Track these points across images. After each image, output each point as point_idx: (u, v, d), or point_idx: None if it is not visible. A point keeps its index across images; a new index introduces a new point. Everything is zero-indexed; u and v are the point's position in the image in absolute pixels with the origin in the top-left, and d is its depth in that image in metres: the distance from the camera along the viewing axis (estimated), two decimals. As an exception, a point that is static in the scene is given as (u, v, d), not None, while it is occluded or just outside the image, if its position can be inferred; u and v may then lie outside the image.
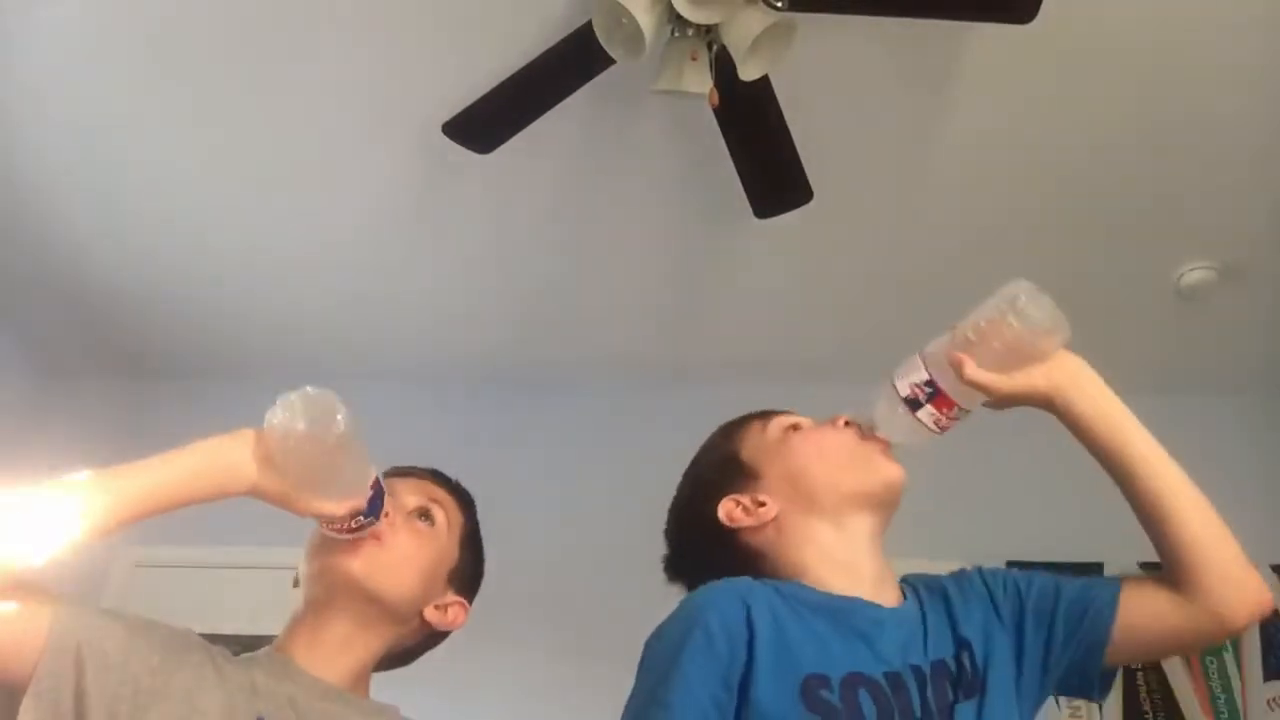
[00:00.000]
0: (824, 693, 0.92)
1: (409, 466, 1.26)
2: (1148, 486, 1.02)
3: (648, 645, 1.00)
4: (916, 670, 0.98)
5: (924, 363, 1.08)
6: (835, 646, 0.97)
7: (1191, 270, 3.03)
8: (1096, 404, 1.05)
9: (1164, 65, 2.42)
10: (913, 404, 1.08)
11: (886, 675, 0.96)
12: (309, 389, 1.02)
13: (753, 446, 1.17)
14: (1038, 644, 1.04)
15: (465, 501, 1.27)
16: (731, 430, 1.23)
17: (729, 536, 1.11)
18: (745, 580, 1.02)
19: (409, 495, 1.20)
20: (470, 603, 1.24)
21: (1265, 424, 3.49)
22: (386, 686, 1.20)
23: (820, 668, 0.94)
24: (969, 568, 1.15)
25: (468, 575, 1.24)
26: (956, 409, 1.08)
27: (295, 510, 1.03)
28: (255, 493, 1.01)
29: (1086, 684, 1.06)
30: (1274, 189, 2.77)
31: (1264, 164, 2.69)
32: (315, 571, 1.14)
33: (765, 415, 1.21)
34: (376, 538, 1.12)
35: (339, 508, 1.05)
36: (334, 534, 1.09)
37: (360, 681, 1.15)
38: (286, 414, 1.00)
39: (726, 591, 0.99)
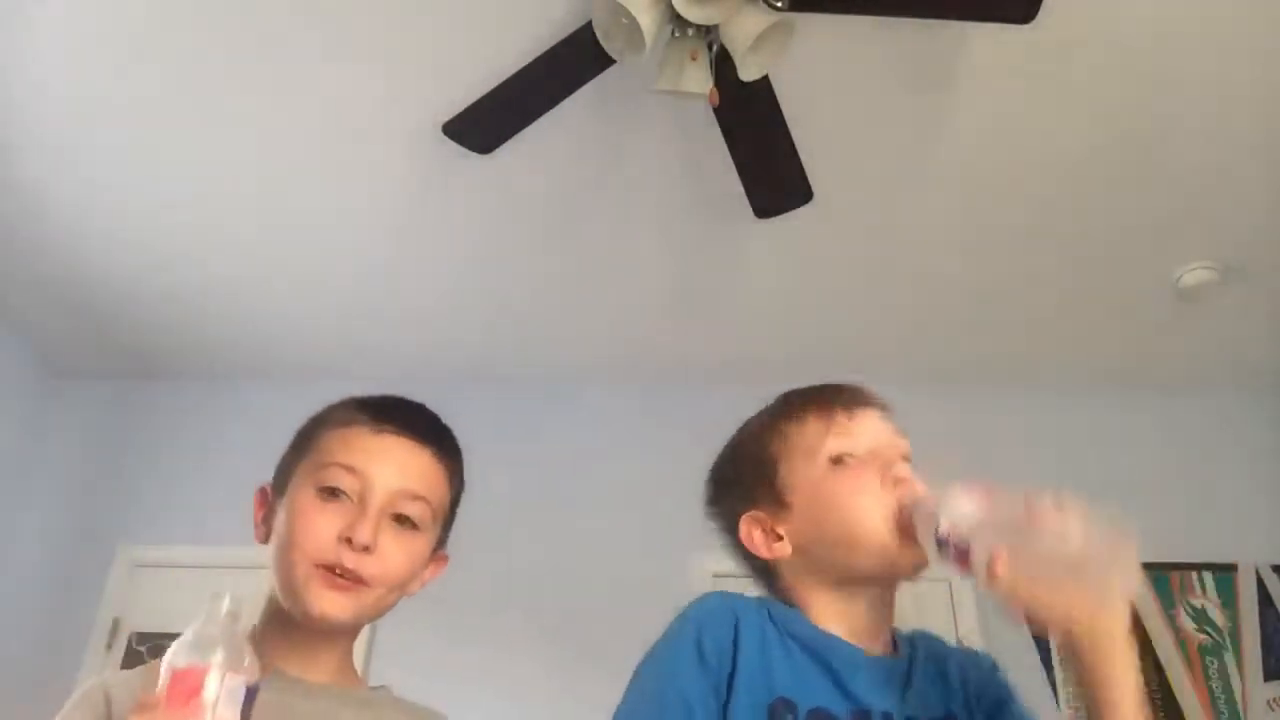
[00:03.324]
0: (789, 717, 0.98)
1: (382, 404, 1.12)
2: None
3: (642, 661, 1.03)
4: (886, 716, 1.00)
5: (977, 523, 0.96)
6: (810, 680, 1.01)
7: (1191, 270, 3.03)
8: (1098, 655, 0.94)
9: (1163, 65, 2.43)
10: (940, 544, 0.98)
11: (854, 713, 1.00)
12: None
13: (794, 468, 1.10)
14: None
15: (452, 465, 1.15)
16: (785, 426, 1.13)
17: (744, 547, 1.14)
18: (739, 597, 1.07)
19: (390, 490, 1.06)
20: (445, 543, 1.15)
21: (1265, 423, 3.49)
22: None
23: (791, 694, 0.99)
24: (984, 652, 1.14)
25: (447, 532, 1.16)
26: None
27: None
28: None
29: None
30: (1274, 189, 2.77)
31: (1264, 164, 2.69)
32: (294, 612, 1.04)
33: (827, 414, 1.11)
34: (366, 583, 1.03)
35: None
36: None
37: (345, 668, 1.10)
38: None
39: (719, 609, 1.05)
